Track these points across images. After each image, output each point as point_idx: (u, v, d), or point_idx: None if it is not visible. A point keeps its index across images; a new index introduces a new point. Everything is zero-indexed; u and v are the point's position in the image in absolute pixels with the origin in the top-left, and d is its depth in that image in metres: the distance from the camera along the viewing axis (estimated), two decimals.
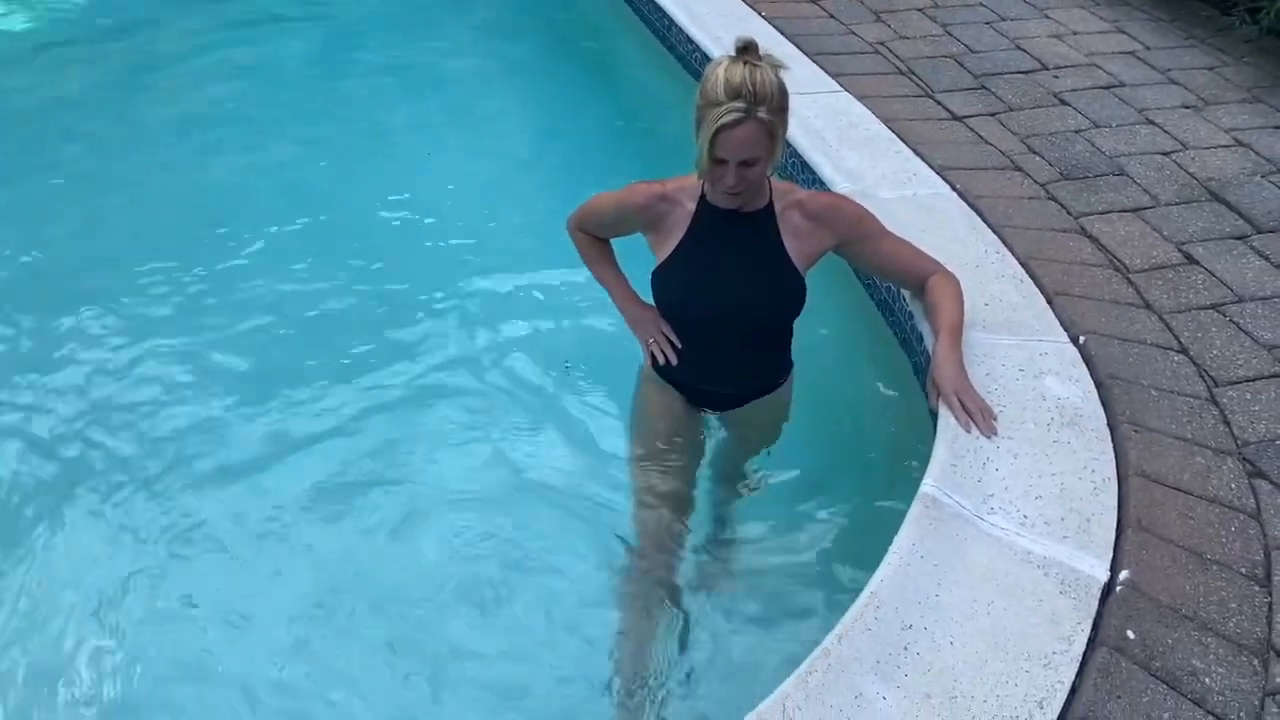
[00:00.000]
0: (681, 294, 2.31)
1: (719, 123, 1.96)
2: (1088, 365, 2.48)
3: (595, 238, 2.48)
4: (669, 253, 2.27)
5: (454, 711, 2.26)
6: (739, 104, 1.96)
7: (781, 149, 2.09)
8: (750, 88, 1.96)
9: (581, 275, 3.04)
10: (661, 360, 2.40)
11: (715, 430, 2.59)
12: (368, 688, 2.28)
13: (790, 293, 2.27)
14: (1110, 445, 2.25)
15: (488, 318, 3.36)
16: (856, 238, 2.30)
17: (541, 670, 2.33)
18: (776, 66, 2.04)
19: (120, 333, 3.27)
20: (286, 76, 4.98)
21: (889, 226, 2.39)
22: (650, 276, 2.35)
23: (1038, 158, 3.45)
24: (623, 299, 2.49)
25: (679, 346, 2.37)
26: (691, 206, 2.24)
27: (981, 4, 4.71)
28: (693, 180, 2.23)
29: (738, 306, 2.26)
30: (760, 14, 4.45)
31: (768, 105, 1.98)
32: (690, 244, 2.25)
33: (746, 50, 2.02)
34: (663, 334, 2.39)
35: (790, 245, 2.22)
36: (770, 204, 2.22)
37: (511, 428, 2.96)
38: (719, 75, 1.99)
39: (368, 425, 2.95)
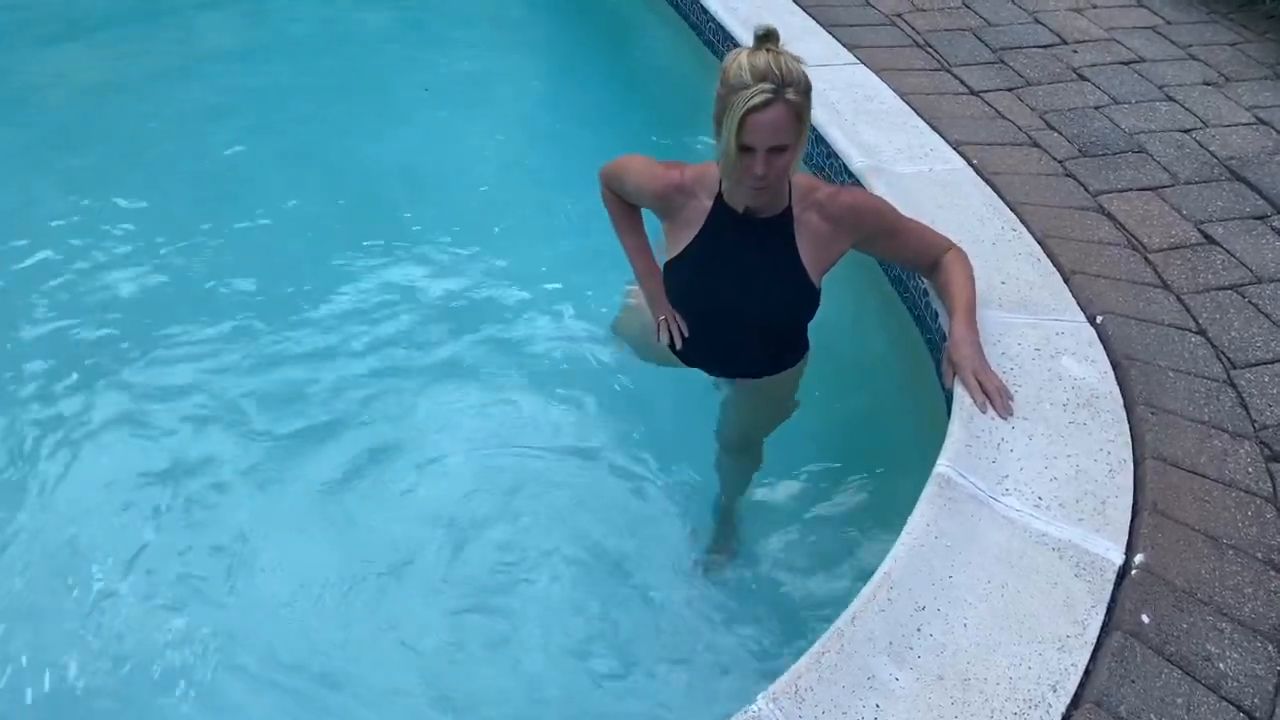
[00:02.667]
0: (689, 296, 2.30)
1: (748, 104, 1.89)
2: (1104, 345, 2.45)
3: (623, 200, 2.43)
4: (680, 250, 2.23)
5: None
6: (767, 85, 1.89)
7: (808, 134, 2.03)
8: (777, 71, 1.89)
9: (590, 247, 3.02)
10: (666, 341, 2.39)
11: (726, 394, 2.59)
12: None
13: (801, 304, 2.23)
14: (1127, 427, 2.22)
15: (500, 287, 3.35)
16: (875, 235, 2.26)
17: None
18: (796, 59, 1.97)
19: (127, 298, 3.27)
20: (293, 41, 4.94)
21: (905, 203, 2.36)
22: (663, 266, 2.33)
23: (1056, 134, 3.40)
24: (643, 272, 2.43)
25: (686, 335, 2.35)
26: (708, 204, 2.19)
27: None
28: (712, 171, 2.18)
29: (745, 315, 2.23)
30: None
31: (795, 87, 1.92)
32: (701, 246, 2.20)
33: (767, 38, 1.94)
34: (675, 316, 2.36)
35: (806, 252, 2.17)
36: (789, 209, 2.16)
37: (518, 398, 2.97)
38: (742, 61, 1.92)
39: (380, 395, 2.96)
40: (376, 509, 2.64)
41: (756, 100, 1.89)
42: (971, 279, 2.33)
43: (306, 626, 2.36)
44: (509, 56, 4.86)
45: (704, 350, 2.38)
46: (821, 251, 2.18)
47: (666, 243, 2.28)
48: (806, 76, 1.96)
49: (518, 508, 2.65)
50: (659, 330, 2.39)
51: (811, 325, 2.42)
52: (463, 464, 2.76)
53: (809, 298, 2.21)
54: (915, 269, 2.52)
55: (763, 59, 1.90)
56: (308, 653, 2.30)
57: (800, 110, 1.95)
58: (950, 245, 2.37)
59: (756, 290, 2.19)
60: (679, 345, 2.36)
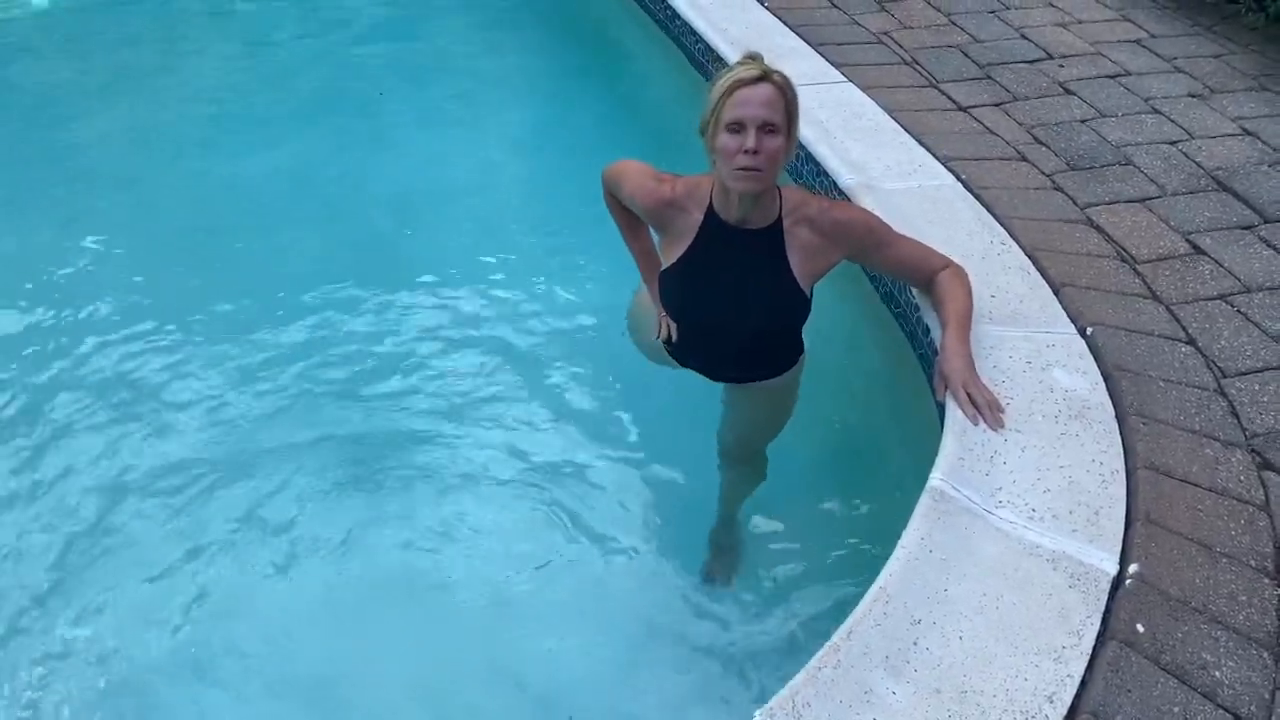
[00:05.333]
0: (680, 305, 2.33)
1: (736, 77, 2.01)
2: (1095, 357, 2.46)
3: (623, 204, 2.47)
4: (673, 261, 2.27)
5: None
6: (753, 66, 2.02)
7: (796, 137, 2.10)
8: (764, 64, 2.04)
9: (580, 259, 3.02)
10: (664, 336, 2.43)
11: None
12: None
13: (790, 311, 2.26)
14: (1118, 437, 2.24)
15: (491, 304, 3.37)
16: (866, 249, 2.29)
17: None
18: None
19: (121, 324, 3.28)
20: (282, 63, 4.98)
21: (895, 218, 2.38)
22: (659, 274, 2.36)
23: (1044, 148, 3.43)
24: (646, 272, 2.49)
25: (675, 338, 2.40)
26: (699, 216, 2.22)
27: None
28: (704, 184, 2.21)
29: (735, 325, 2.26)
30: (763, 4, 4.42)
31: (781, 76, 2.04)
32: (693, 258, 2.24)
33: (753, 59, 2.08)
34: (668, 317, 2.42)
35: (796, 263, 2.20)
36: (779, 220, 2.19)
37: (521, 410, 2.98)
38: (729, 66, 2.06)
39: (372, 412, 2.98)
40: (373, 519, 2.66)
41: (745, 74, 2.01)
42: (968, 293, 2.36)
43: (307, 635, 2.37)
44: (503, 82, 4.90)
45: (699, 357, 2.42)
46: (812, 263, 2.21)
47: (661, 251, 2.32)
48: (794, 87, 2.07)
49: (515, 518, 2.65)
50: (660, 327, 2.44)
51: (805, 341, 2.44)
52: (458, 475, 2.77)
53: (799, 305, 2.24)
54: (912, 283, 2.54)
55: (750, 63, 2.05)
56: (308, 662, 2.32)
57: (787, 97, 2.04)
58: (948, 262, 2.40)
59: (746, 301, 2.22)
60: (673, 337, 2.41)
